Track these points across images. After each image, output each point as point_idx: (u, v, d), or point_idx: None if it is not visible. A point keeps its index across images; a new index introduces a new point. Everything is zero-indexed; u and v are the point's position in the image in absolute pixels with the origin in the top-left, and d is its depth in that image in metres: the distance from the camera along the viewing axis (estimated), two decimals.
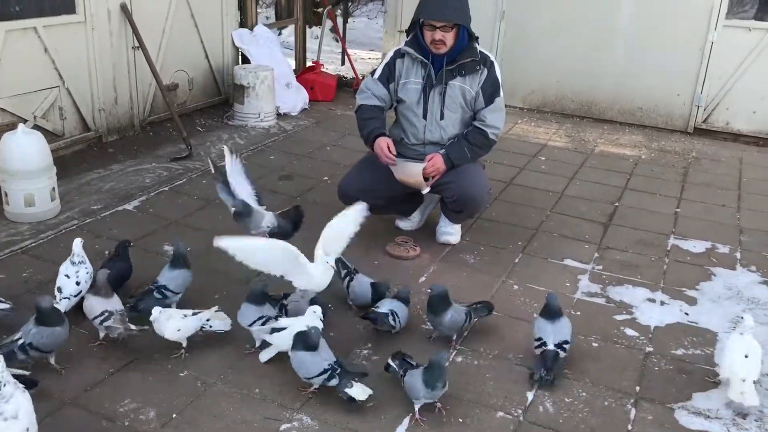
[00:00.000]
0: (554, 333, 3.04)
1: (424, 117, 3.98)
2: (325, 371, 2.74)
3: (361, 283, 3.47)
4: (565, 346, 3.03)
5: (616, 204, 5.05)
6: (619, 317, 3.57)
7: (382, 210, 4.29)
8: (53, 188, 4.24)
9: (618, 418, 2.84)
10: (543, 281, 3.88)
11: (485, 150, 4.06)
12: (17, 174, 4.06)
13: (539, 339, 3.05)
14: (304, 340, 2.78)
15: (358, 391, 2.73)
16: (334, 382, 2.74)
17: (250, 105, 6.25)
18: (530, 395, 2.93)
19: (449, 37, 3.80)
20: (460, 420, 2.77)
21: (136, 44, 5.52)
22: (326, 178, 5.16)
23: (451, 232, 4.27)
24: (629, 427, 2.79)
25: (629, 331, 3.45)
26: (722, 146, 6.62)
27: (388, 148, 3.87)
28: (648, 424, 2.81)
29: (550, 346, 3.01)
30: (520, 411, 2.84)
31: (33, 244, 3.91)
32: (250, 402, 2.80)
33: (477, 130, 3.96)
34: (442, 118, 3.96)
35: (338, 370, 2.75)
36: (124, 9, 5.41)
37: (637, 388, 3.02)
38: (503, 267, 4.03)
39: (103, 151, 5.38)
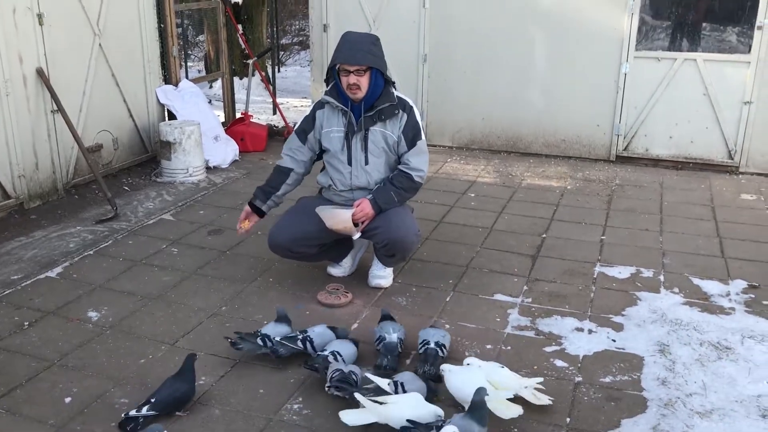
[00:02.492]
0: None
1: (349, 163, 4.03)
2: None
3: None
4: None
5: (544, 235, 5.16)
6: (548, 349, 3.61)
7: (313, 258, 4.29)
8: None
9: None
10: (474, 318, 3.91)
11: (411, 192, 4.12)
12: None
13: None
14: None
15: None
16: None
17: (177, 161, 6.20)
18: None
19: (363, 81, 3.88)
20: None
21: (55, 108, 5.44)
22: (257, 230, 5.12)
23: (383, 276, 4.28)
24: None
25: (558, 362, 3.49)
26: (643, 172, 6.86)
27: (245, 218, 4.18)
28: None
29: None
30: None
31: None
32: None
33: (402, 173, 4.03)
34: (366, 163, 4.02)
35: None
36: (41, 73, 5.34)
37: (568, 420, 3.04)
38: (435, 307, 4.05)
39: (25, 218, 5.24)
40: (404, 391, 3.00)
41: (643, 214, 5.65)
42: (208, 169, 6.52)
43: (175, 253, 4.76)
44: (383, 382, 3.06)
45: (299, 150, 4.17)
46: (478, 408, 2.75)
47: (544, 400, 3.09)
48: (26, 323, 3.77)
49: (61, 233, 5.00)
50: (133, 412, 2.90)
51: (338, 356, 3.26)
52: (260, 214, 4.22)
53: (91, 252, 4.71)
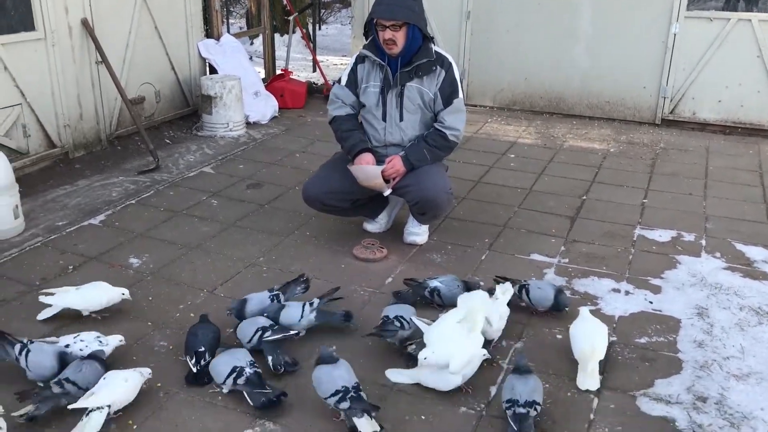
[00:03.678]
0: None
1: (384, 119, 4.00)
2: (337, 392, 2.64)
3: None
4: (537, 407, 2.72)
5: (584, 197, 5.08)
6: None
7: (347, 213, 4.31)
8: (16, 206, 4.21)
9: (581, 408, 2.85)
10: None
11: (445, 152, 4.07)
12: None
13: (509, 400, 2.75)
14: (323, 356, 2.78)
15: (365, 424, 2.58)
16: (344, 405, 2.61)
17: (218, 115, 6.24)
18: (493, 389, 2.94)
19: (399, 36, 3.82)
20: (423, 417, 2.77)
21: (99, 59, 5.51)
22: (295, 185, 5.16)
23: (417, 233, 4.28)
24: (591, 416, 2.80)
25: None
26: (689, 136, 6.69)
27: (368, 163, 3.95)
28: (610, 413, 2.82)
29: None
30: (483, 405, 2.85)
31: None
32: (212, 409, 2.78)
33: (437, 132, 3.98)
34: (401, 119, 3.98)
35: (350, 394, 2.62)
36: (85, 24, 5.40)
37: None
38: (470, 264, 4.04)
39: (70, 167, 5.35)
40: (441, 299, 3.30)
41: (688, 178, 5.52)
42: (247, 124, 6.55)
43: (214, 204, 4.83)
44: (425, 327, 3.09)
45: (354, 104, 4.08)
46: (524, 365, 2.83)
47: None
48: (70, 267, 3.88)
49: (104, 183, 5.10)
50: (194, 369, 2.94)
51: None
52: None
53: (133, 201, 4.80)
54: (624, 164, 5.84)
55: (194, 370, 2.92)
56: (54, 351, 2.88)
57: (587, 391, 2.92)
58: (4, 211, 4.12)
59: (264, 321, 3.14)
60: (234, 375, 2.77)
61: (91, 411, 2.59)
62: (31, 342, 2.89)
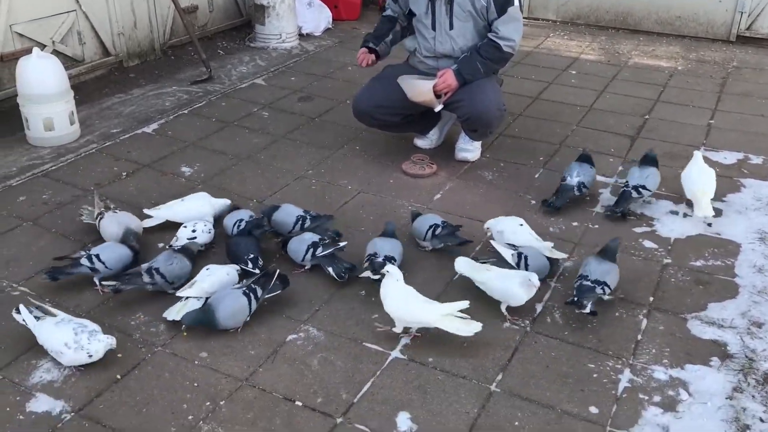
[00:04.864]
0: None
1: (433, 28, 3.83)
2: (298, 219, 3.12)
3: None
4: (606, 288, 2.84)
5: (646, 117, 4.85)
6: (638, 229, 3.47)
7: (398, 128, 4.22)
8: (72, 112, 4.27)
9: (628, 328, 2.79)
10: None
11: (500, 64, 3.90)
12: (35, 98, 4.09)
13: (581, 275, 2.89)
14: None
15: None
16: (319, 251, 3.00)
17: (271, 26, 6.13)
18: (539, 306, 2.90)
19: None
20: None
21: None
22: (346, 99, 5.07)
23: (469, 149, 4.17)
24: (639, 337, 2.74)
25: (648, 243, 3.35)
26: (766, 54, 6.26)
27: (365, 58, 4.03)
28: (658, 334, 2.75)
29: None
30: (527, 321, 2.82)
31: (53, 168, 3.97)
32: (257, 315, 2.83)
33: (490, 42, 3.78)
34: (451, 28, 3.80)
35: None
36: None
37: (651, 299, 2.95)
38: (522, 183, 3.94)
39: (124, 76, 5.38)
40: (527, 265, 2.96)
41: (760, 99, 5.20)
42: (300, 35, 6.43)
43: (265, 116, 4.80)
44: (507, 253, 3.03)
45: (396, 9, 4.03)
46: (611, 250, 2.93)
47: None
48: (124, 173, 3.94)
49: (157, 92, 5.11)
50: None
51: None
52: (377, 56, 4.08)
53: (186, 111, 4.81)
54: (692, 83, 5.53)
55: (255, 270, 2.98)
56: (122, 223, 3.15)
57: (704, 219, 3.47)
58: (60, 117, 4.18)
59: (311, 237, 3.13)
60: (312, 250, 2.98)
61: (189, 297, 2.79)
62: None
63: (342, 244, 3.11)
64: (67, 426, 2.30)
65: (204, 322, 2.69)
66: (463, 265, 2.95)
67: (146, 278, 2.85)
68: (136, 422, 2.32)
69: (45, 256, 3.15)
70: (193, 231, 3.18)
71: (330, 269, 3.01)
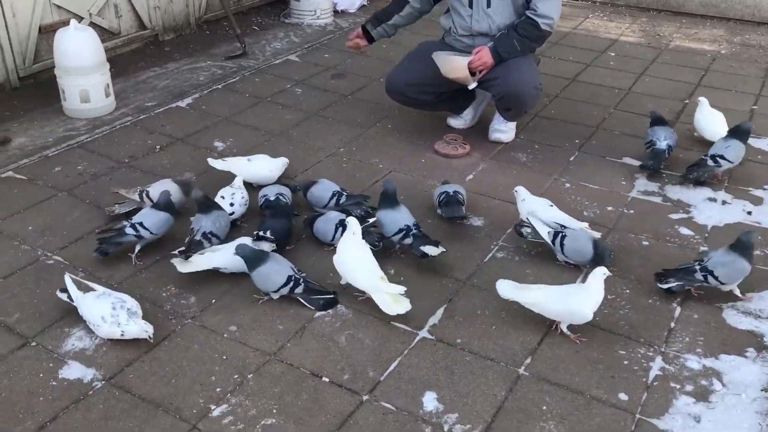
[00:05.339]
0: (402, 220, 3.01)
1: (470, 6, 3.76)
2: (400, 230, 2.96)
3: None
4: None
5: (686, 101, 4.73)
6: (674, 216, 3.40)
7: (431, 106, 4.18)
8: (107, 85, 4.30)
9: (661, 316, 2.74)
10: (597, 179, 3.72)
11: (537, 42, 3.82)
12: (72, 70, 4.12)
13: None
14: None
15: (431, 249, 2.90)
16: (408, 240, 2.94)
17: (306, 2, 6.10)
18: None
19: None
20: (497, 313, 2.73)
21: None
22: (380, 77, 5.02)
23: (503, 130, 4.11)
24: (672, 325, 2.69)
25: (684, 230, 3.28)
26: None
27: (356, 36, 4.07)
28: (692, 323, 2.70)
29: None
30: None
31: (88, 139, 4.01)
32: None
33: (528, 20, 3.70)
34: (488, 6, 3.72)
35: (413, 230, 2.95)
36: None
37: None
38: (557, 165, 3.87)
39: (160, 50, 5.40)
40: (562, 245, 2.92)
41: None
42: (335, 12, 6.38)
43: (298, 93, 4.78)
44: (544, 230, 2.99)
45: None
46: (744, 246, 2.75)
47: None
48: (158, 147, 3.96)
49: (191, 66, 5.13)
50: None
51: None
52: (369, 39, 4.09)
53: (219, 86, 4.82)
54: (735, 67, 5.37)
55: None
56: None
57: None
58: (96, 89, 4.21)
59: (336, 215, 3.11)
60: (291, 284, 2.71)
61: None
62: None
63: (371, 220, 3.09)
64: (98, 393, 2.33)
65: (246, 260, 2.71)
66: (505, 287, 2.68)
67: (130, 232, 2.93)
68: (165, 392, 2.34)
69: (79, 226, 3.19)
70: (231, 205, 3.20)
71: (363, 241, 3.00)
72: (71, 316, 2.65)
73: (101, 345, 2.53)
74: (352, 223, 2.79)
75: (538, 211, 3.11)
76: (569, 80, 5.07)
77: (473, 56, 3.69)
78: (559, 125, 4.37)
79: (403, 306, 2.65)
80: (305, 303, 2.73)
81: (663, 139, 3.79)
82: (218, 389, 2.36)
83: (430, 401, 2.34)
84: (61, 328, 2.60)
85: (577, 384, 2.42)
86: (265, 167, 3.53)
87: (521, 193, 3.22)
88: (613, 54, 5.64)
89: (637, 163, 3.87)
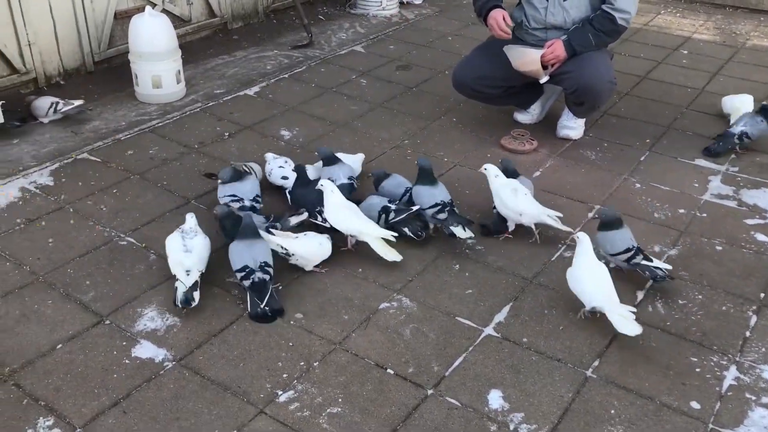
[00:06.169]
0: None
1: None
2: (437, 204, 3.02)
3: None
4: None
5: (764, 102, 4.54)
6: (750, 221, 3.28)
7: (499, 100, 4.12)
8: (179, 71, 4.38)
9: (735, 323, 2.65)
10: (668, 181, 3.62)
11: (612, 37, 3.73)
12: (145, 55, 4.22)
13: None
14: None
15: (460, 231, 2.96)
16: (442, 216, 2.99)
17: None
18: (640, 294, 2.79)
19: None
20: (564, 313, 2.69)
21: None
22: (445, 69, 4.99)
23: (572, 126, 4.04)
24: (747, 333, 2.61)
25: (760, 237, 3.17)
26: None
27: (504, 20, 3.65)
28: None
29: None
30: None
31: (159, 124, 4.10)
32: (352, 280, 2.85)
33: (604, 14, 3.62)
34: None
35: (448, 207, 3.02)
36: None
37: (762, 295, 2.79)
38: (626, 164, 3.79)
39: (228, 38, 5.47)
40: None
41: None
42: (401, 3, 6.36)
43: (363, 84, 4.79)
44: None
45: None
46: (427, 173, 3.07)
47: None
48: (226, 134, 4.03)
49: (259, 55, 5.18)
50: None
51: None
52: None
53: (286, 75, 4.86)
54: None
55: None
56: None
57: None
58: (168, 75, 4.30)
59: (380, 201, 3.12)
60: (243, 274, 2.64)
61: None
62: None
63: (415, 208, 3.07)
64: (169, 373, 2.39)
65: (225, 225, 2.83)
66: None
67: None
68: (234, 375, 2.38)
69: (151, 209, 3.27)
70: (281, 167, 3.39)
71: (406, 229, 3.03)
72: (144, 296, 2.72)
73: (172, 326, 2.59)
74: (326, 185, 2.96)
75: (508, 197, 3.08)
76: (640, 77, 4.94)
77: (546, 49, 3.63)
78: (629, 123, 4.26)
79: (394, 255, 2.87)
80: (249, 296, 2.65)
81: (742, 124, 3.71)
82: (285, 375, 2.39)
83: (495, 399, 2.32)
84: (134, 308, 2.67)
85: (646, 389, 2.36)
86: (348, 161, 3.52)
87: (492, 170, 3.18)
88: (685, 52, 5.47)
89: (710, 165, 3.75)
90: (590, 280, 2.60)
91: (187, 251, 2.71)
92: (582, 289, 2.62)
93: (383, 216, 3.06)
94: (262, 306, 2.62)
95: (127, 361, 2.43)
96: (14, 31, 4.22)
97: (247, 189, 3.13)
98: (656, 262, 2.81)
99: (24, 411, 2.23)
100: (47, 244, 3.02)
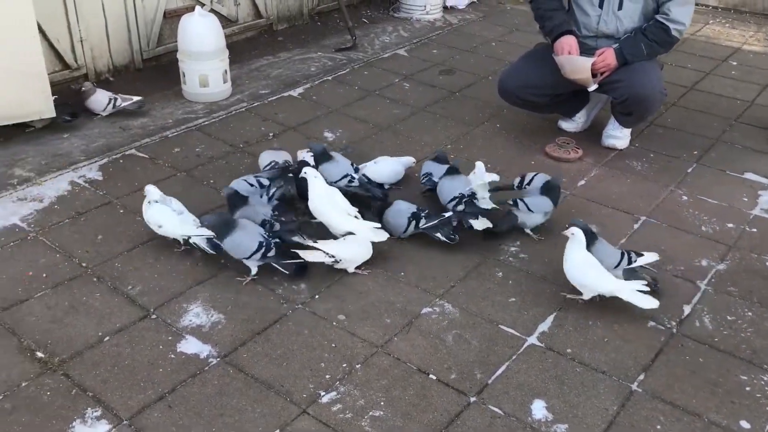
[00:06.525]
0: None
1: (600, 6, 3.65)
2: (454, 198, 3.09)
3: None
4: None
5: None
6: None
7: (544, 109, 4.09)
8: (225, 71, 4.43)
9: None
10: (717, 194, 3.56)
11: (665, 48, 3.68)
12: (194, 55, 4.27)
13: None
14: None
15: (478, 223, 3.01)
16: (460, 207, 3.05)
17: None
18: (687, 308, 2.75)
19: None
20: (609, 325, 2.66)
21: None
22: (488, 75, 4.97)
23: (618, 136, 3.99)
24: None
25: None
26: None
27: (571, 52, 3.62)
28: None
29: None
30: (674, 323, 2.67)
31: (206, 123, 4.15)
32: (394, 284, 2.85)
33: (658, 24, 3.58)
34: (620, 8, 3.61)
35: (465, 198, 3.08)
36: None
37: None
38: (673, 176, 3.73)
39: (273, 39, 5.52)
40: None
41: None
42: (444, 8, 6.35)
43: (406, 87, 4.79)
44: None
45: None
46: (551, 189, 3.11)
47: None
48: (271, 134, 4.06)
49: (303, 57, 5.22)
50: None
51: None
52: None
53: (330, 77, 4.89)
54: None
55: None
56: None
57: None
58: (215, 74, 4.35)
59: (408, 207, 3.11)
60: (263, 249, 2.77)
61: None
62: None
63: (447, 214, 3.07)
64: (213, 370, 2.41)
65: (216, 229, 2.77)
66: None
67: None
68: (277, 374, 2.40)
69: (196, 206, 3.28)
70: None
71: (438, 234, 3.03)
72: (189, 292, 2.75)
73: (216, 323, 2.62)
74: (309, 172, 3.00)
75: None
76: (687, 88, 4.86)
77: (597, 57, 3.59)
78: (676, 135, 4.20)
79: (380, 235, 2.93)
80: (279, 267, 2.81)
81: None
82: (327, 376, 2.40)
83: (539, 409, 2.29)
84: (180, 304, 2.71)
85: (693, 406, 2.32)
86: (392, 166, 3.54)
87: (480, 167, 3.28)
88: (735, 63, 5.37)
89: (761, 179, 3.67)
90: (593, 269, 2.66)
91: (180, 213, 2.95)
92: (586, 279, 2.67)
93: (413, 222, 3.05)
94: (295, 259, 2.78)
95: (172, 356, 2.46)
96: (67, 27, 4.31)
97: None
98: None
99: (73, 401, 2.27)
100: (96, 238, 3.08)
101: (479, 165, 3.29)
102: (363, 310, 2.71)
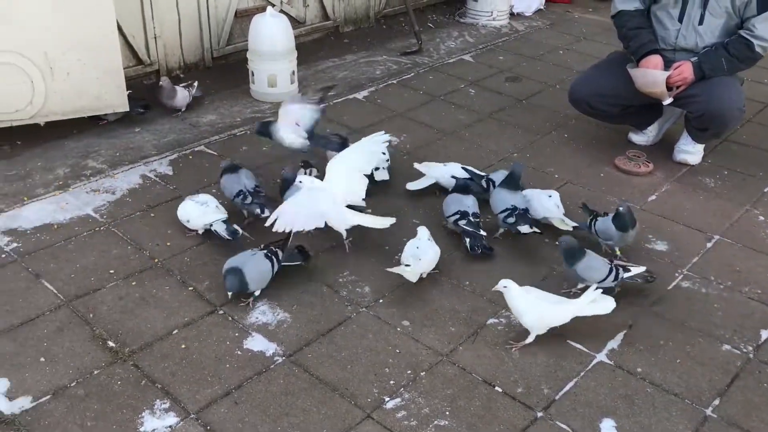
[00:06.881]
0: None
1: (680, 20, 3.55)
2: (506, 210, 3.09)
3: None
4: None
5: None
6: None
7: (615, 119, 4.01)
8: (293, 72, 4.47)
9: None
10: None
11: (746, 64, 3.57)
12: (263, 55, 4.32)
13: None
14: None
15: (526, 229, 3.02)
16: (510, 220, 3.05)
17: (483, 2, 6.04)
18: (765, 333, 2.65)
19: None
20: (681, 345, 2.57)
21: None
22: (556, 84, 4.90)
23: (690, 151, 3.87)
24: None
25: None
26: None
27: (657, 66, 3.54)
28: None
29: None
30: (750, 347, 2.58)
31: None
32: (459, 292, 2.82)
33: (742, 39, 3.46)
34: (701, 23, 3.51)
35: (517, 211, 3.08)
36: None
37: None
38: (749, 195, 3.60)
39: (339, 41, 5.55)
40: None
41: None
42: (511, 14, 6.29)
43: (472, 93, 4.76)
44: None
45: None
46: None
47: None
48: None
49: (368, 60, 5.23)
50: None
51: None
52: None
53: (395, 81, 4.88)
54: None
55: None
56: None
57: None
58: (283, 75, 4.40)
59: (461, 201, 3.16)
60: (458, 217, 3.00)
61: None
62: None
63: (483, 233, 3.06)
64: (279, 368, 2.43)
65: (240, 288, 2.68)
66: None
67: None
68: (341, 376, 2.39)
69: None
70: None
71: (467, 240, 3.03)
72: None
73: (282, 321, 2.63)
74: (305, 180, 3.00)
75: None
76: (764, 104, 4.70)
77: (674, 71, 3.50)
78: (752, 152, 4.06)
79: (387, 221, 2.97)
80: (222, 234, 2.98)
81: None
82: (392, 382, 2.38)
83: (608, 428, 2.24)
84: (246, 300, 2.73)
85: None
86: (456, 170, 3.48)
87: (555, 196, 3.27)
88: None
89: None
90: (545, 303, 2.56)
91: (203, 204, 3.08)
92: (546, 318, 2.54)
93: (456, 216, 3.08)
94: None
95: (239, 353, 2.49)
96: (143, 24, 4.42)
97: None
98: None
99: (142, 391, 2.31)
100: (166, 232, 3.13)
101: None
102: (427, 317, 2.69)
